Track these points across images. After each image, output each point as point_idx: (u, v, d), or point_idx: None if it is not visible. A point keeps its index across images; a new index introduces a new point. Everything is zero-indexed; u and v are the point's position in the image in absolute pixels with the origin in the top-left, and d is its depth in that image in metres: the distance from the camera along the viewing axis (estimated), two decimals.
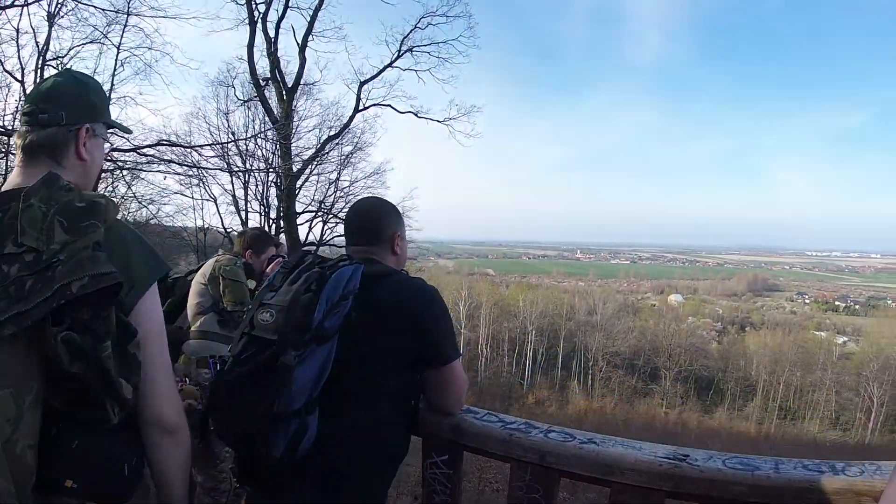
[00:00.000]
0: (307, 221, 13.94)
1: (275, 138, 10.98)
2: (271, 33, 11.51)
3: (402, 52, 11.93)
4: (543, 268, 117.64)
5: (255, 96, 11.60)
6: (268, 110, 11.54)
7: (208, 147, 8.26)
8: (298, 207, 13.42)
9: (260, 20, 11.42)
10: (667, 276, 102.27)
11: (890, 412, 31.76)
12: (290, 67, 12.13)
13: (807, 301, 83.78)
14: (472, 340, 41.38)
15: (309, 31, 11.61)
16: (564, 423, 23.91)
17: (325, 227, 14.13)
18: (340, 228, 14.14)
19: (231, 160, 11.26)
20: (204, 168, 8.13)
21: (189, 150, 7.76)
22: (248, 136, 11.67)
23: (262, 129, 11.90)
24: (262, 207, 13.42)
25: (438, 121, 12.37)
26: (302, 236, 13.98)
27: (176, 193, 11.67)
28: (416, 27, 11.72)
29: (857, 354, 38.88)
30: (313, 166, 13.66)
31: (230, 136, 12.19)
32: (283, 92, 11.79)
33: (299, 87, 12.36)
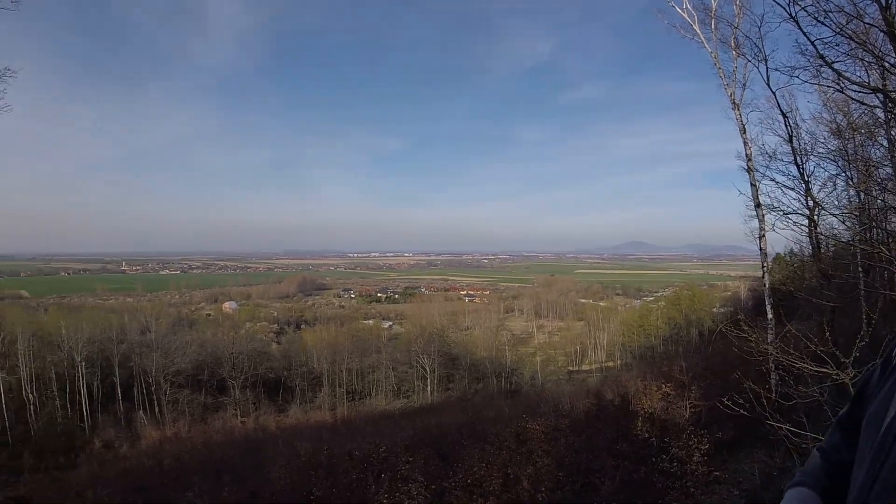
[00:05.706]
0: None
1: None
2: None
3: None
4: (86, 284, 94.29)
5: None
6: None
7: None
8: None
9: None
10: (219, 284, 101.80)
11: (441, 375, 40.09)
12: None
13: (352, 296, 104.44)
14: (13, 385, 32.28)
15: None
16: (141, 460, 20.57)
17: None
18: None
19: None
20: None
21: None
22: None
23: None
24: None
25: None
26: None
27: None
28: None
29: (404, 335, 48.00)
30: None
31: None
32: None
33: None
